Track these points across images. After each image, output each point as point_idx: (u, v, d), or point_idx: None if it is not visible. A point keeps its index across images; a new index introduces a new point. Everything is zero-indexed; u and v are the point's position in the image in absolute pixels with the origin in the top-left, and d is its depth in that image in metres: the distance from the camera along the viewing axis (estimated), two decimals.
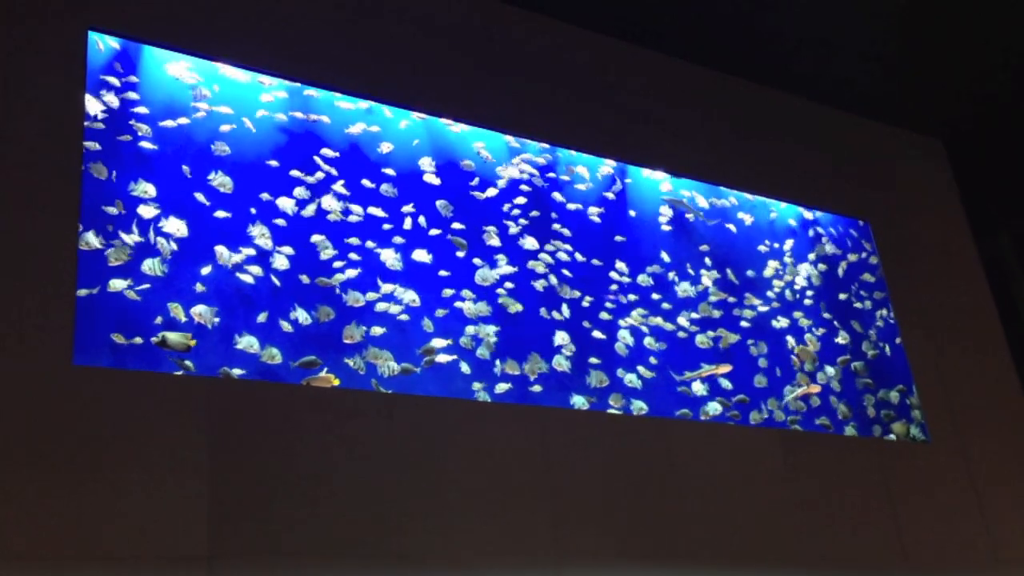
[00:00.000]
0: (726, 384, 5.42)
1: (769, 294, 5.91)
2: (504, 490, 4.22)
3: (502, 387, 4.68)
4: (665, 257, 5.59)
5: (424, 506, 3.98)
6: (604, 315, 5.20)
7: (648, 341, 5.29)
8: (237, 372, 4.04)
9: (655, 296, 5.43)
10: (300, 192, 4.52)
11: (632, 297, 5.35)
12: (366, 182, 4.73)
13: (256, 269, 4.27)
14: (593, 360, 5.02)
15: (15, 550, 3.16)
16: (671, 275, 5.56)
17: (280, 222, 4.43)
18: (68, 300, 3.60)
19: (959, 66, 6.49)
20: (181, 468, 3.53)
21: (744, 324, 5.72)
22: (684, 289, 5.57)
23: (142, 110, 4.23)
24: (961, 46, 6.30)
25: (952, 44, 6.27)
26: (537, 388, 4.80)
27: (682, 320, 5.47)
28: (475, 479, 4.17)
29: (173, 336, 3.82)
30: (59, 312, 3.56)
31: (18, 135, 3.72)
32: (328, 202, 4.57)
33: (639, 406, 5.05)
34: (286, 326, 4.26)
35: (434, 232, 4.82)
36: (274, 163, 4.52)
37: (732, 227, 5.95)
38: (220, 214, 4.27)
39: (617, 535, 4.43)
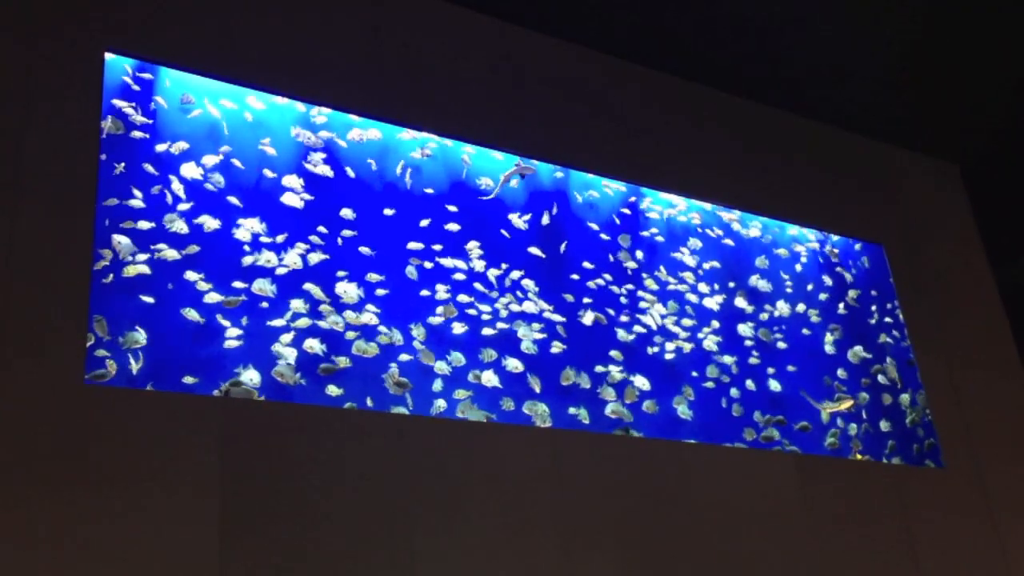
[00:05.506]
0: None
1: (780, 312, 5.91)
2: (514, 512, 4.20)
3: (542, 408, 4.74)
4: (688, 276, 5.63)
5: (434, 528, 3.97)
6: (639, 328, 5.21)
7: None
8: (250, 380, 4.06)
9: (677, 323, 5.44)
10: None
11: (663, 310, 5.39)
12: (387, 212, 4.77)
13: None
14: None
15: (22, 573, 3.16)
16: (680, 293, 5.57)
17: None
18: (80, 317, 3.62)
19: (975, 91, 6.47)
20: (192, 488, 3.53)
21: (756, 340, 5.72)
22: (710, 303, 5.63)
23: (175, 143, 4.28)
24: (977, 71, 6.29)
25: (968, 69, 6.26)
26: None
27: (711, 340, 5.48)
28: (486, 501, 4.16)
29: None
30: (71, 330, 3.57)
31: (35, 154, 3.75)
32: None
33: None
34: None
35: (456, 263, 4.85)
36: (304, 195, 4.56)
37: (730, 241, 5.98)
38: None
39: (628, 560, 4.40)
